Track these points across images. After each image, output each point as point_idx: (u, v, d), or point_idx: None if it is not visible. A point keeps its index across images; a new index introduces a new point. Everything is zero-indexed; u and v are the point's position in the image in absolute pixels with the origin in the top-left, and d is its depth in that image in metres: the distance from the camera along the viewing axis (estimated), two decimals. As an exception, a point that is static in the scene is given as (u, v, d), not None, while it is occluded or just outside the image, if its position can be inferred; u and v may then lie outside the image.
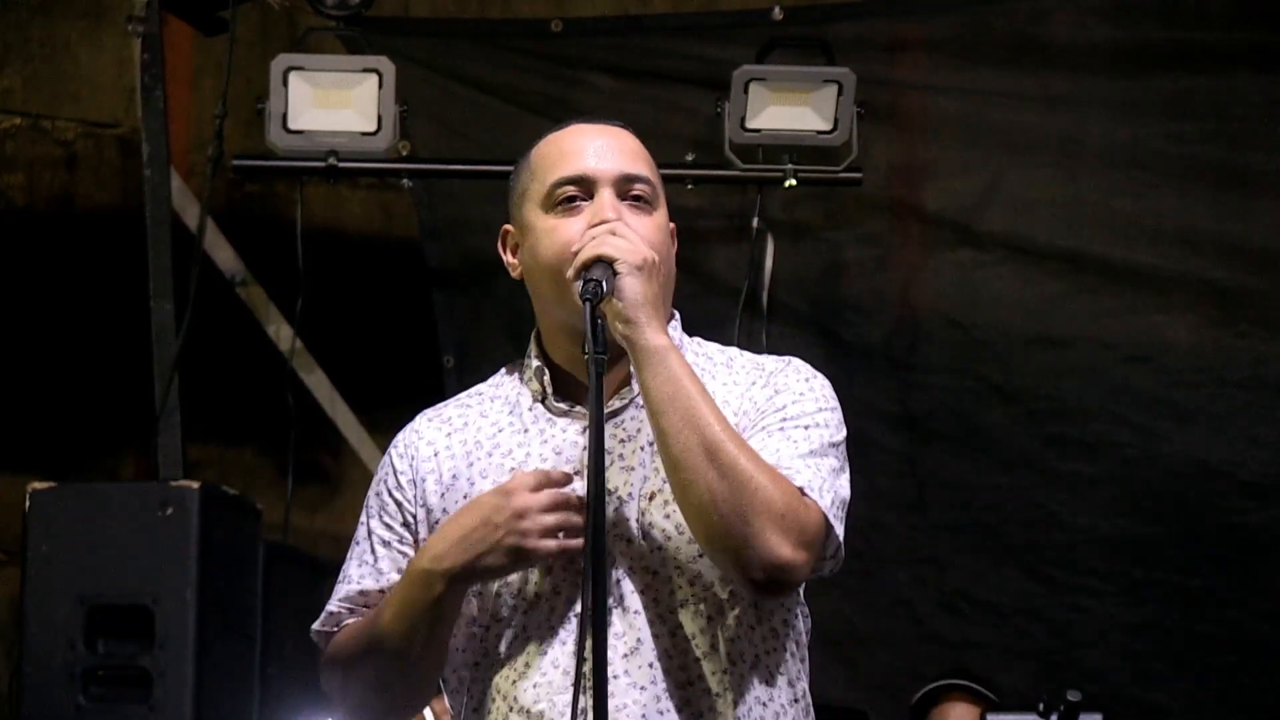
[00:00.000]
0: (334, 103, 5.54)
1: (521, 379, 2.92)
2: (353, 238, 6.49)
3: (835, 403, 2.84)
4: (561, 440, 2.81)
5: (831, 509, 2.72)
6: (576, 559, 2.68)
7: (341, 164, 5.59)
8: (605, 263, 2.71)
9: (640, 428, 2.78)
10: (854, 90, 5.58)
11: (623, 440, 2.80)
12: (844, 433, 2.82)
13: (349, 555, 2.94)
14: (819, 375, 2.87)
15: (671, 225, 2.90)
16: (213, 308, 5.81)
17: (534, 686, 2.73)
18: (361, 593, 2.88)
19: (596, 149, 2.86)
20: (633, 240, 2.74)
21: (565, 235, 2.80)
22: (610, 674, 2.65)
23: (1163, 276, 5.79)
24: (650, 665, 2.72)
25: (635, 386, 2.80)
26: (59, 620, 4.65)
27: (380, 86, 5.51)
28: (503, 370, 2.98)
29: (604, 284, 2.68)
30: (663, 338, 2.71)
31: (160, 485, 4.96)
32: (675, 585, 2.74)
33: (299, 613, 5.20)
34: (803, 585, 2.84)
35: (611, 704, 2.64)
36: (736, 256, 5.88)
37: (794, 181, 5.66)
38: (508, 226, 2.94)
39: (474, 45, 6.10)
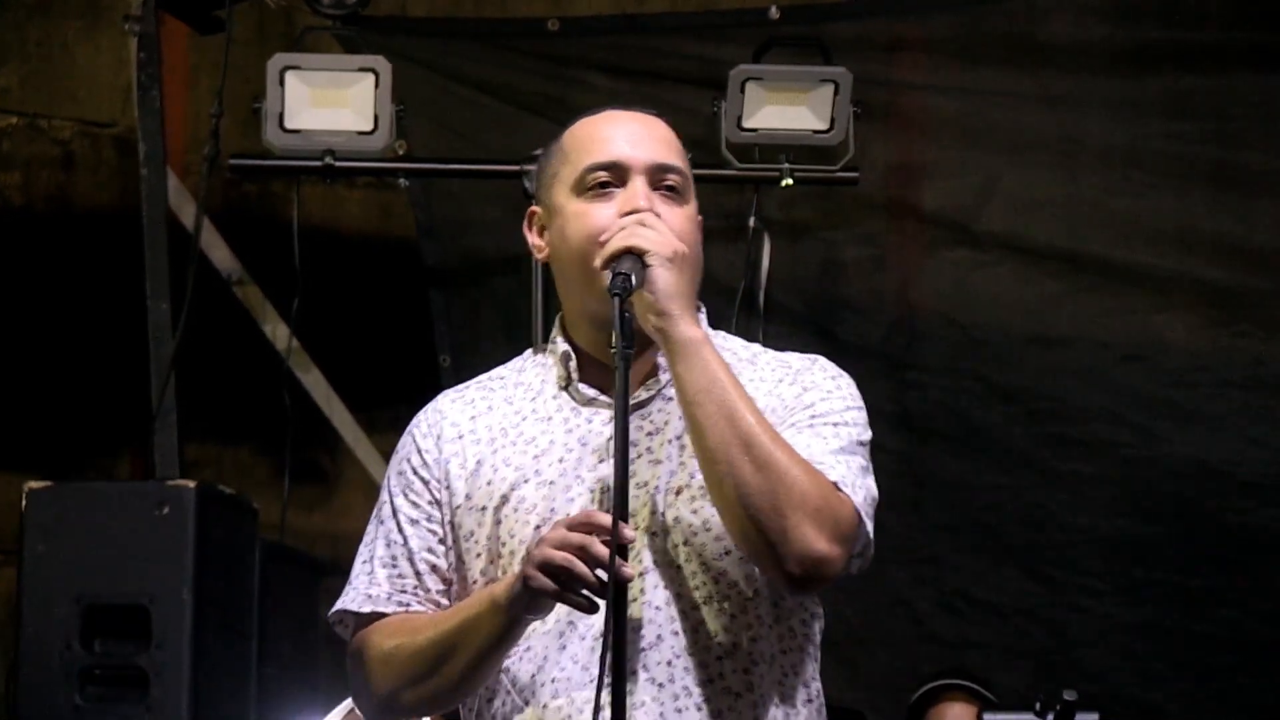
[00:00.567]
0: (331, 102, 5.53)
1: (545, 363, 2.89)
2: (349, 237, 6.49)
3: (861, 402, 2.83)
4: (586, 430, 2.79)
5: (864, 505, 2.71)
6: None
7: (338, 163, 5.58)
8: (635, 255, 2.69)
9: (668, 420, 2.76)
10: (851, 90, 5.57)
11: (650, 433, 2.78)
12: (870, 433, 2.81)
13: (372, 535, 2.88)
14: (845, 374, 2.86)
15: (700, 218, 2.88)
16: (209, 307, 5.80)
17: (552, 681, 2.71)
18: (399, 576, 2.83)
19: (631, 136, 2.84)
20: (663, 232, 2.72)
21: (595, 220, 2.78)
22: (628, 669, 2.64)
23: (1161, 276, 5.79)
24: (669, 663, 2.70)
25: (662, 378, 2.79)
26: (56, 620, 4.64)
27: (377, 86, 5.51)
28: (526, 353, 2.95)
29: (632, 277, 2.66)
30: (697, 330, 2.70)
31: (157, 485, 4.95)
32: (699, 582, 2.72)
33: (296, 612, 5.22)
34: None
35: (629, 700, 2.62)
36: (733, 256, 5.87)
37: (791, 181, 5.65)
38: (534, 208, 2.93)
39: (471, 44, 6.10)
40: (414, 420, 2.93)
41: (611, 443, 2.68)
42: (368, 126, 5.54)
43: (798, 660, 2.78)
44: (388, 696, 2.80)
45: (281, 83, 5.49)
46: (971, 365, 5.83)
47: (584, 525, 2.59)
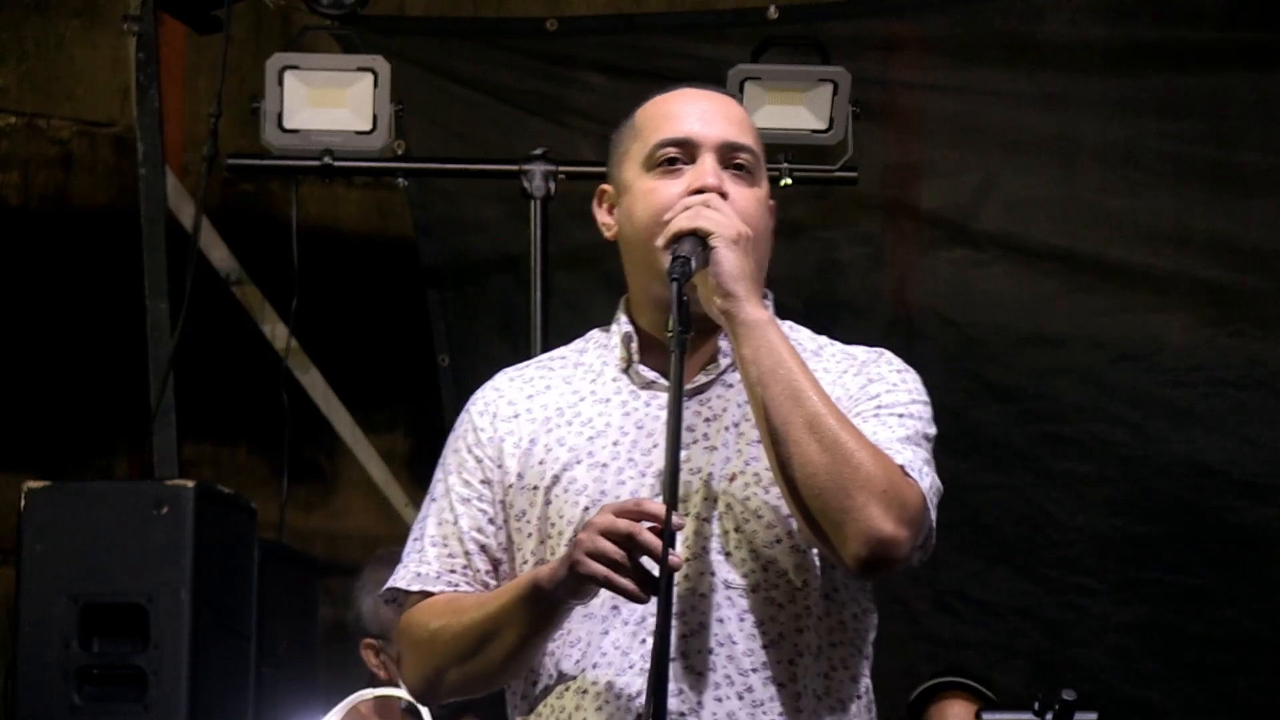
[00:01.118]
0: (329, 102, 5.53)
1: (608, 344, 2.87)
2: (348, 237, 6.49)
3: (927, 397, 2.82)
4: (644, 414, 2.78)
5: (930, 493, 2.69)
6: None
7: (336, 163, 5.58)
8: (698, 237, 2.67)
9: (726, 407, 2.75)
10: (849, 89, 5.58)
11: (707, 419, 2.77)
12: (935, 429, 2.79)
13: (424, 513, 2.88)
14: (911, 369, 2.85)
15: (772, 203, 2.86)
16: (208, 306, 5.80)
17: (593, 666, 2.70)
18: (450, 555, 2.83)
19: (703, 113, 2.83)
20: (728, 213, 2.71)
21: (663, 197, 2.77)
22: (671, 656, 2.62)
23: (1157, 275, 5.79)
24: (712, 651, 2.68)
25: (722, 362, 2.78)
26: (53, 619, 4.64)
27: (375, 85, 5.51)
28: (593, 332, 2.93)
29: (692, 261, 2.65)
30: (762, 311, 2.68)
31: (155, 484, 4.95)
32: (747, 569, 2.71)
33: (294, 612, 5.23)
34: (871, 583, 2.81)
35: (670, 687, 2.60)
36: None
37: (789, 180, 5.65)
38: (605, 186, 2.91)
39: (469, 44, 6.10)
40: (472, 398, 2.93)
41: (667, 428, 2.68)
42: (366, 126, 5.54)
43: (848, 655, 2.77)
44: (432, 676, 2.80)
45: (280, 82, 5.49)
46: (968, 364, 5.83)
47: (633, 512, 2.57)
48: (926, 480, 2.70)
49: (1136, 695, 5.67)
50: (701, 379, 2.80)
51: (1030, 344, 5.84)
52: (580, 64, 6.01)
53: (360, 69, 5.53)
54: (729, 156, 2.80)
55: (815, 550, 2.72)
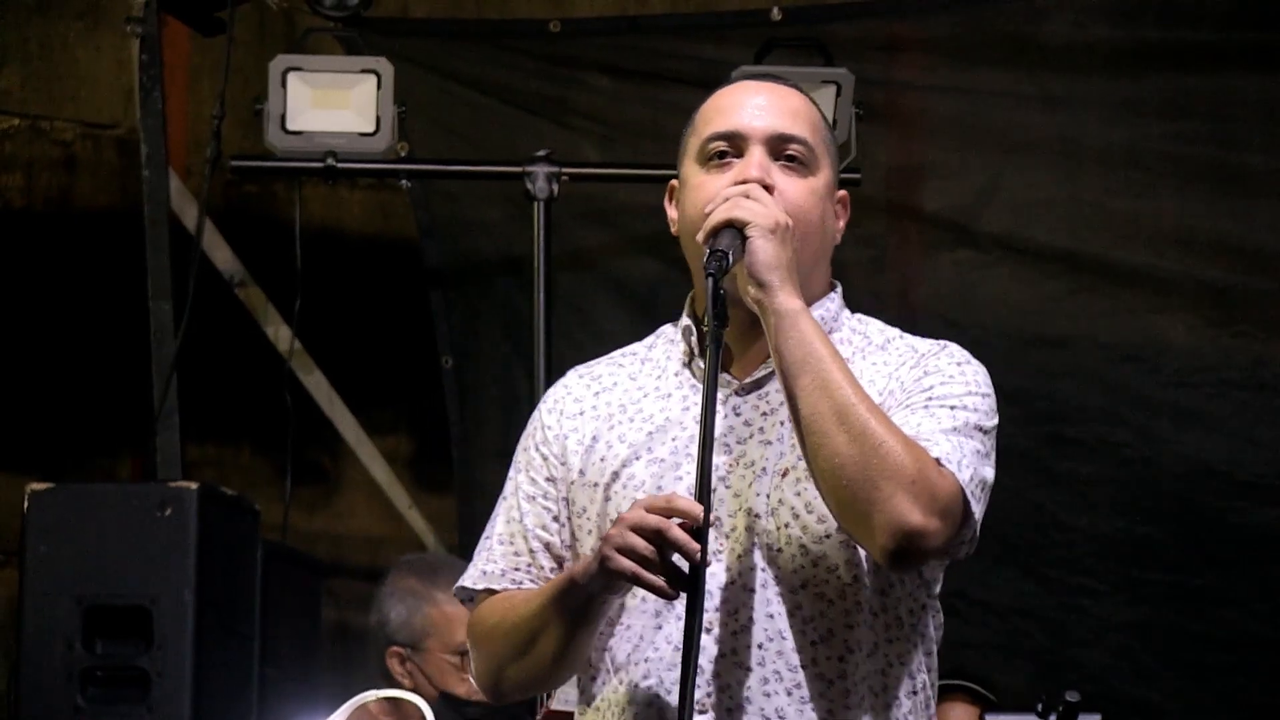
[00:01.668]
0: (332, 103, 5.54)
1: (675, 339, 2.87)
2: (351, 238, 6.49)
3: (988, 390, 2.81)
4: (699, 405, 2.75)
5: (970, 485, 2.67)
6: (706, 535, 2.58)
7: (340, 164, 5.58)
8: (735, 229, 2.67)
9: (783, 401, 2.72)
10: (852, 91, 5.58)
11: (764, 413, 2.76)
12: (995, 420, 2.78)
13: (495, 512, 2.90)
14: (975, 362, 2.84)
15: (843, 193, 2.86)
16: (211, 308, 5.81)
17: (645, 661, 2.71)
18: (515, 553, 2.84)
19: (755, 106, 2.82)
20: (767, 203, 2.70)
21: (709, 190, 2.76)
22: (719, 652, 2.64)
23: (1161, 276, 5.79)
24: (761, 647, 2.68)
25: None
26: (57, 620, 4.64)
27: (379, 87, 5.51)
28: (665, 327, 2.93)
29: (729, 254, 2.64)
30: (795, 301, 2.66)
31: (158, 486, 4.96)
32: (798, 565, 2.70)
33: (298, 613, 5.23)
34: (939, 580, 2.81)
35: (716, 684, 2.64)
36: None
37: (791, 182, 5.64)
38: (673, 182, 2.92)
39: (472, 46, 6.10)
40: (544, 396, 2.94)
41: (723, 421, 2.70)
42: (369, 128, 5.54)
43: (904, 651, 2.75)
44: (495, 672, 2.82)
45: (283, 84, 5.49)
46: (971, 365, 5.82)
47: (663, 509, 2.57)
48: (967, 472, 2.67)
49: (1139, 696, 5.67)
50: (760, 373, 2.79)
51: (1033, 345, 5.83)
52: (583, 65, 6.02)
53: (364, 71, 5.54)
54: (779, 148, 2.79)
55: None
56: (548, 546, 2.84)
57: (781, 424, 2.75)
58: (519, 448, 2.92)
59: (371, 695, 4.39)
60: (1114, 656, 5.71)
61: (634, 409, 2.83)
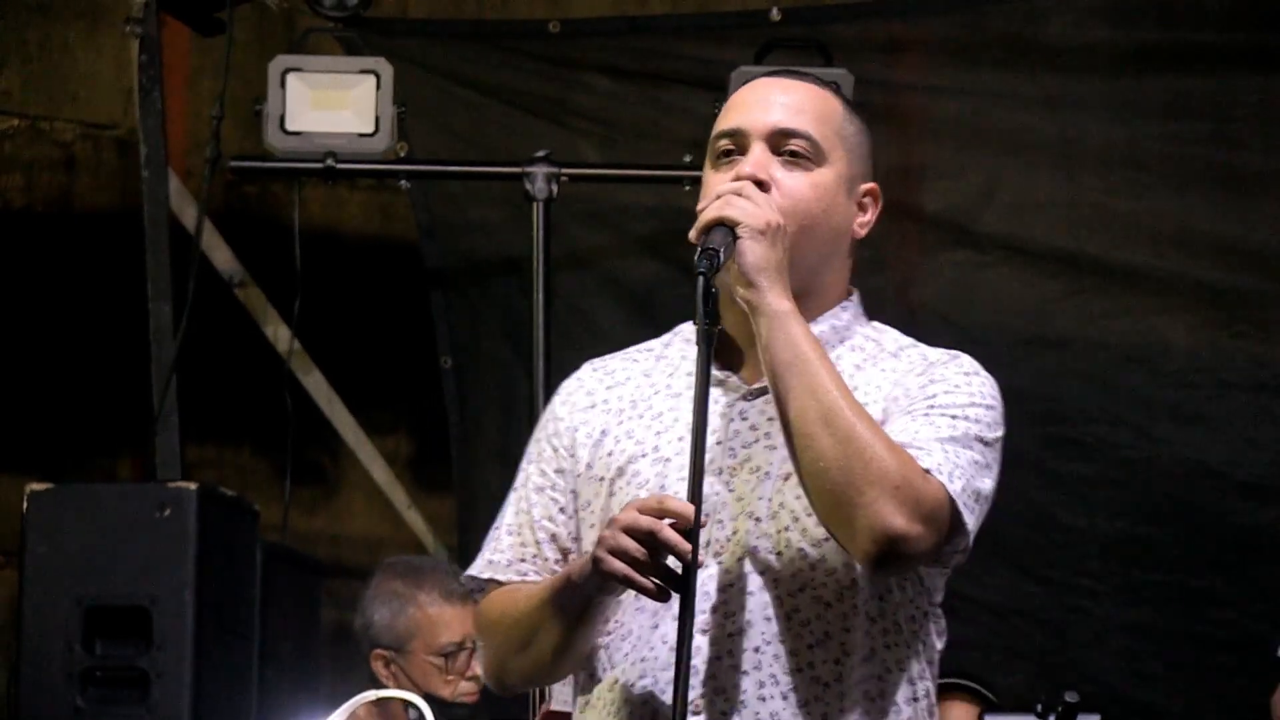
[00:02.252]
0: (332, 104, 5.54)
1: (691, 339, 2.83)
2: (350, 239, 6.49)
3: (994, 402, 2.80)
4: (712, 410, 2.73)
5: (962, 495, 2.66)
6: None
7: (339, 165, 5.58)
8: (727, 227, 2.66)
9: None
10: (852, 91, 5.57)
11: (770, 418, 2.74)
12: (998, 432, 2.77)
13: (506, 503, 2.90)
14: (985, 374, 2.83)
15: (869, 185, 2.88)
16: (211, 309, 5.81)
17: (641, 661, 2.71)
18: (522, 544, 2.84)
19: (758, 102, 2.82)
20: (759, 202, 2.69)
21: (712, 189, 2.76)
22: (713, 654, 2.64)
23: (1160, 277, 5.79)
24: (758, 649, 2.68)
25: None
26: (57, 621, 4.65)
27: (378, 88, 5.51)
28: (684, 325, 2.91)
29: (721, 253, 2.64)
30: (784, 302, 2.66)
31: (158, 486, 4.96)
32: (796, 568, 2.69)
33: (297, 614, 5.23)
34: (940, 589, 2.80)
35: (711, 685, 2.64)
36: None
37: (791, 182, 5.64)
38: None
39: (472, 46, 6.10)
40: (558, 388, 2.94)
41: (730, 425, 2.70)
42: (369, 128, 5.54)
43: (903, 657, 2.74)
44: (498, 664, 2.83)
45: (283, 85, 5.49)
46: (971, 366, 5.82)
47: (655, 510, 2.57)
48: (959, 483, 2.66)
49: (1139, 697, 5.67)
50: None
51: (1033, 346, 5.83)
52: (583, 66, 6.01)
53: (363, 71, 5.54)
54: (779, 143, 2.79)
55: None
56: (554, 538, 2.84)
57: None
58: (532, 438, 2.92)
59: (370, 695, 4.39)
60: (1114, 657, 5.71)
61: (644, 405, 2.83)
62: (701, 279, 2.61)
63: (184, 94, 6.29)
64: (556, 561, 2.84)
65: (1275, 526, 5.64)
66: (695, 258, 2.65)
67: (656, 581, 2.57)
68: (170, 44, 5.90)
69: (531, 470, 2.88)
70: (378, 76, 5.52)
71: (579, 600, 2.67)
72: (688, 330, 2.89)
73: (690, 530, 2.55)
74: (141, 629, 4.63)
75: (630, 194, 5.90)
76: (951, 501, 2.65)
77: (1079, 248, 5.83)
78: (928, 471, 2.64)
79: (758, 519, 2.71)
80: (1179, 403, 5.74)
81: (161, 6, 5.71)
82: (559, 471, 2.85)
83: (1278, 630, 5.60)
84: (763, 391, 2.76)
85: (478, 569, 2.88)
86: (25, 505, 4.72)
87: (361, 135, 5.55)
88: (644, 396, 2.84)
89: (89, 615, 4.65)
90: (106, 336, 6.13)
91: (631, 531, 2.56)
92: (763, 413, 2.76)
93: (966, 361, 2.84)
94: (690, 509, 2.56)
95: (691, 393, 2.75)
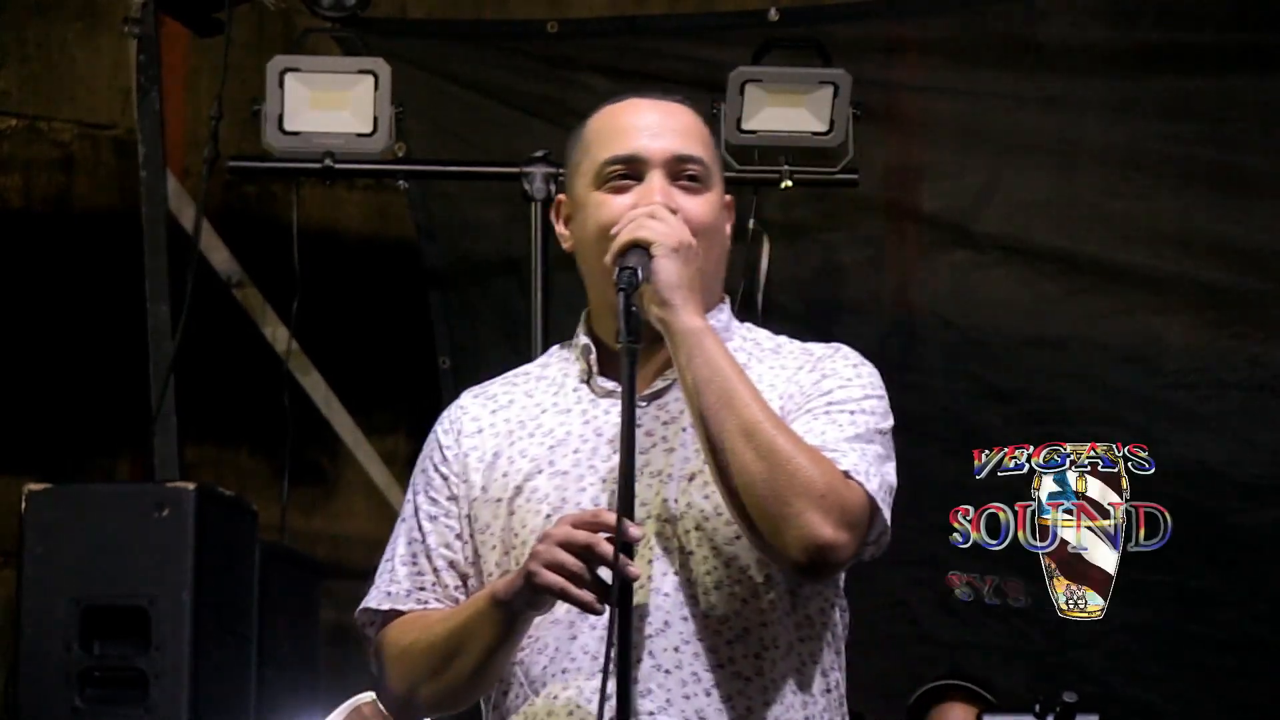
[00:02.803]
0: (330, 104, 5.54)
1: (569, 357, 2.90)
2: (349, 239, 6.49)
3: (883, 391, 2.82)
4: (603, 421, 2.79)
5: (879, 492, 2.70)
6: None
7: (337, 165, 5.58)
8: (642, 247, 2.69)
9: (683, 409, 2.75)
10: (850, 91, 5.58)
11: (665, 422, 2.79)
12: (891, 421, 2.80)
13: (395, 534, 2.92)
14: (867, 363, 2.85)
15: (728, 198, 2.89)
16: (209, 309, 5.80)
17: (563, 672, 2.72)
18: (419, 573, 2.86)
19: (650, 127, 2.85)
20: (671, 224, 2.73)
21: (610, 213, 2.79)
22: (634, 657, 2.64)
23: (1159, 278, 5.79)
24: (677, 649, 2.70)
25: None
26: (55, 621, 4.64)
27: (376, 88, 5.51)
28: (554, 348, 2.96)
29: (639, 271, 2.67)
30: (698, 320, 2.70)
31: (156, 486, 4.96)
32: (709, 567, 2.72)
33: (296, 614, 5.22)
34: (842, 577, 2.83)
35: (636, 689, 2.63)
36: (732, 258, 5.83)
37: (790, 183, 5.65)
38: (561, 196, 2.94)
39: (470, 47, 6.11)
40: (439, 418, 2.96)
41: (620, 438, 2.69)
42: (367, 128, 5.54)
43: (815, 649, 2.79)
44: (406, 693, 2.82)
45: (281, 85, 5.49)
46: (969, 367, 5.83)
47: (590, 524, 2.59)
48: (874, 481, 2.70)
49: (1138, 697, 5.67)
50: (659, 384, 2.82)
51: (1032, 346, 5.84)
52: (581, 66, 6.02)
53: (361, 71, 5.53)
54: (677, 169, 2.83)
55: None
56: (452, 565, 2.86)
57: (684, 430, 2.77)
58: (416, 470, 2.95)
59: (370, 696, 4.39)
60: (1113, 658, 5.71)
61: (533, 424, 2.85)
62: (623, 296, 2.65)
63: (182, 94, 6.29)
64: (456, 588, 2.85)
65: (1274, 526, 5.65)
66: (615, 277, 2.68)
67: (589, 594, 2.58)
68: (169, 44, 5.90)
69: (421, 500, 2.90)
70: (376, 77, 5.51)
71: (505, 617, 2.68)
72: (561, 351, 2.94)
73: (624, 543, 2.55)
74: (140, 629, 4.63)
75: (628, 194, 5.90)
76: (871, 500, 2.69)
77: (1077, 248, 5.84)
78: (847, 474, 2.67)
79: (665, 521, 2.74)
80: (1177, 403, 5.74)
81: (160, 7, 5.71)
82: (451, 499, 2.87)
83: (1278, 631, 5.61)
84: (654, 397, 2.80)
85: (375, 601, 2.88)
86: (23, 505, 4.71)
87: (360, 135, 5.56)
88: (532, 416, 2.87)
89: (87, 615, 4.64)
90: (105, 337, 6.13)
91: (568, 545, 2.58)
92: (656, 418, 2.79)
93: (850, 352, 2.87)
94: (628, 522, 2.56)
95: (580, 408, 2.82)
